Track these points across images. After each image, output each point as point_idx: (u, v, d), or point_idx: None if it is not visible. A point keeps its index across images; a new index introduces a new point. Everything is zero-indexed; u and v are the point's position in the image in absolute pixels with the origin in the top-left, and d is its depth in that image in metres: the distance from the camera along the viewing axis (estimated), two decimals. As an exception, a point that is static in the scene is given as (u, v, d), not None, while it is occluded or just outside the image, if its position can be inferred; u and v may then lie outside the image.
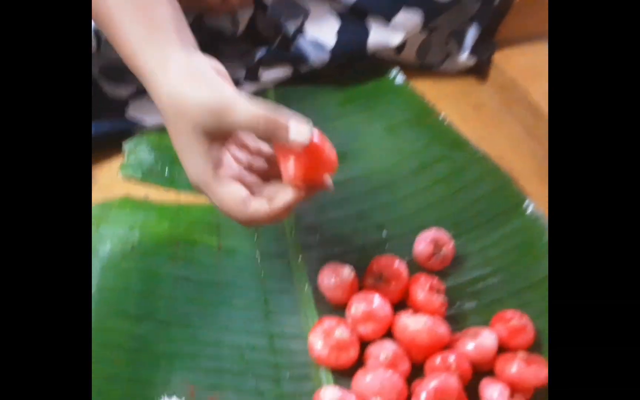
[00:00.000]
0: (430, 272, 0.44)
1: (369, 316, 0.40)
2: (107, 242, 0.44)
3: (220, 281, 0.44)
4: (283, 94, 0.59)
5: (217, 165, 0.37)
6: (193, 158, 0.37)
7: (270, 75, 0.59)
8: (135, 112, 0.54)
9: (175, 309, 0.42)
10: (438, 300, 0.41)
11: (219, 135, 0.36)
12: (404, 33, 0.58)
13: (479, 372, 0.38)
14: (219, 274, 0.45)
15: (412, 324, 0.39)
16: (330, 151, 0.38)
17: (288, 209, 0.37)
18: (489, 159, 0.52)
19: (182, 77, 0.37)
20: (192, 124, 0.36)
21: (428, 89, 0.60)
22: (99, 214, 0.46)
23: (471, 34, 0.61)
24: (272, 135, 0.36)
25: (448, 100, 0.60)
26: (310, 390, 0.39)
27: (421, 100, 0.58)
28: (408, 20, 0.58)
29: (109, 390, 0.37)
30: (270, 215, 0.36)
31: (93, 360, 0.38)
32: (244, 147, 0.41)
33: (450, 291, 0.43)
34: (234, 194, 0.36)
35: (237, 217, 0.37)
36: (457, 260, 0.46)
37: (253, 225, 0.38)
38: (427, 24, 0.59)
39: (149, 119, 0.54)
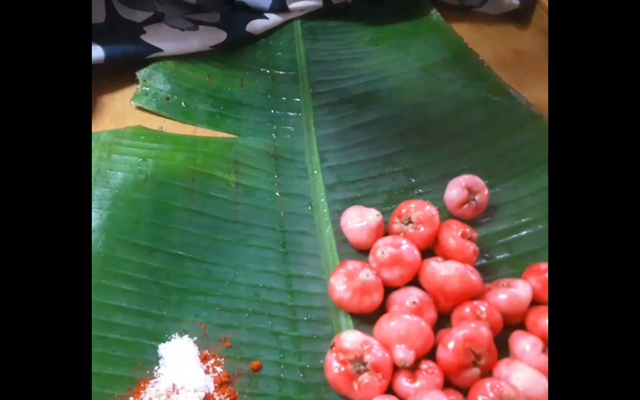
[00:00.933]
0: (462, 220, 0.41)
1: (395, 260, 0.38)
2: (118, 170, 0.43)
3: (237, 218, 0.42)
4: (311, 27, 0.56)
5: None
6: None
7: (299, 5, 0.56)
8: (152, 38, 0.52)
9: (189, 243, 0.40)
10: (470, 248, 0.39)
11: None
12: None
13: (510, 325, 0.36)
14: (236, 211, 0.43)
15: (443, 269, 0.37)
16: None
17: None
18: (530, 105, 0.49)
19: None
20: None
21: (466, 32, 0.57)
22: (111, 140, 0.45)
23: (516, -27, 0.57)
24: None
25: (488, 43, 0.56)
26: (328, 334, 0.37)
27: (460, 41, 0.55)
28: None
29: (117, 323, 0.36)
30: None
31: (102, 290, 0.37)
32: None
33: (481, 241, 0.41)
34: None
35: None
36: (490, 210, 0.43)
37: None
38: None
39: (166, 46, 0.51)
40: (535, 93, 0.50)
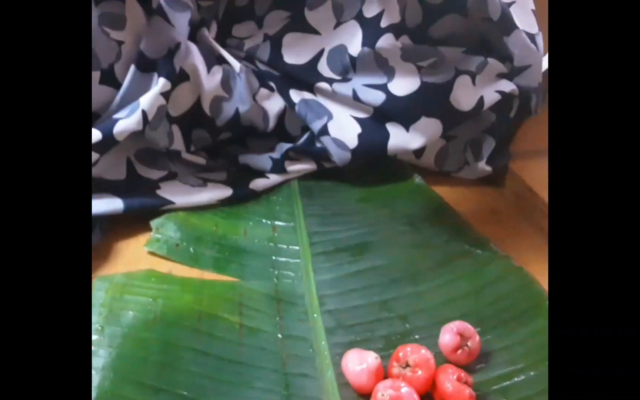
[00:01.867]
0: (457, 365, 0.44)
1: (396, 402, 0.39)
2: (129, 310, 0.45)
3: (241, 360, 0.44)
4: (307, 186, 0.63)
5: None
6: None
7: (296, 168, 0.63)
8: (166, 192, 0.57)
9: (193, 384, 0.41)
10: (466, 391, 0.41)
11: None
12: (423, 139, 0.62)
13: None
14: (240, 353, 0.44)
15: (442, 412, 0.38)
16: None
17: None
18: (510, 258, 0.54)
19: None
20: None
21: (447, 193, 0.64)
22: (124, 282, 0.47)
23: (487, 145, 0.66)
24: None
25: (467, 203, 0.63)
26: None
27: (441, 200, 0.62)
28: (427, 128, 0.62)
29: None
30: None
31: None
32: None
33: (477, 386, 0.43)
34: None
35: None
36: (483, 356, 0.46)
37: None
38: (445, 133, 0.63)
39: (178, 200, 0.57)
40: (515, 246, 0.56)
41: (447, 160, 0.66)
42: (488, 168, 0.65)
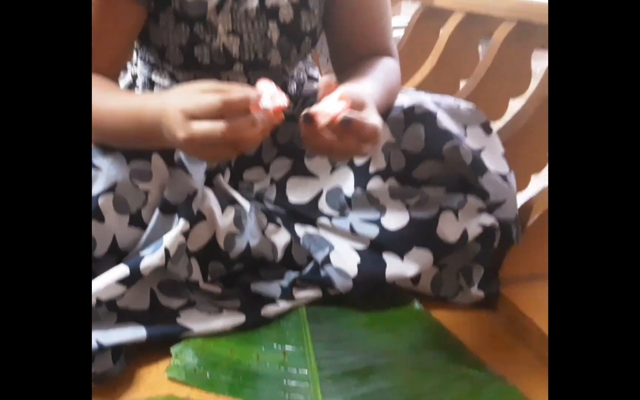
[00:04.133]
0: None
1: None
2: (152, 435, 0.48)
3: None
4: (314, 312, 0.68)
5: None
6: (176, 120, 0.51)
7: (303, 295, 0.69)
8: (185, 320, 0.62)
9: None
10: None
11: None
12: (417, 267, 0.69)
13: None
14: None
15: None
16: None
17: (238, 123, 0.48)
18: (506, 379, 0.58)
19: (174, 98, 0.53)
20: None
21: (444, 318, 0.69)
22: (146, 408, 0.51)
23: (477, 272, 0.72)
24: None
25: (463, 328, 0.68)
26: None
27: (439, 325, 0.67)
28: (419, 257, 0.69)
29: None
30: (217, 126, 0.48)
31: None
32: None
33: None
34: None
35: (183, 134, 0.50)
36: None
37: (200, 141, 0.49)
38: (437, 262, 0.70)
39: (195, 327, 0.62)
40: (509, 367, 0.60)
41: (442, 286, 0.72)
42: (480, 293, 0.71)
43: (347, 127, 0.50)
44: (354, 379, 0.59)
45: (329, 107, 0.50)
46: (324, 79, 0.64)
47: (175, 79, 0.72)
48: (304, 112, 0.50)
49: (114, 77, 0.69)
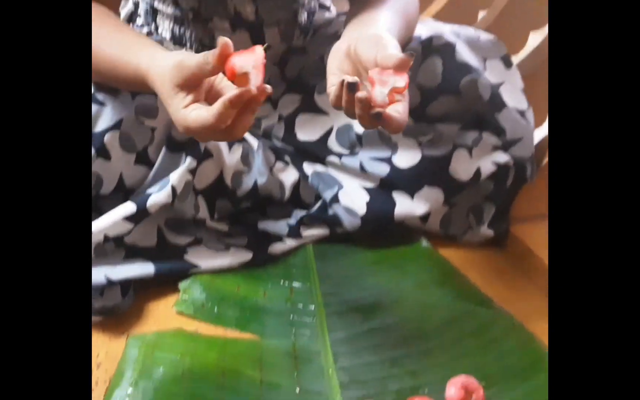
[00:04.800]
0: (462, 417, 0.48)
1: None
2: (160, 366, 0.50)
3: (262, 413, 0.48)
4: (321, 250, 0.68)
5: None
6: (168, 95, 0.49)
7: (310, 233, 0.69)
8: (192, 257, 0.63)
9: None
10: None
11: (185, 84, 0.48)
12: (427, 206, 0.68)
13: None
14: (261, 406, 0.49)
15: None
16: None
17: (226, 112, 0.45)
18: (513, 316, 0.58)
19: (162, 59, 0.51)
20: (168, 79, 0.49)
21: (452, 256, 0.69)
22: (155, 340, 0.52)
23: (487, 210, 0.71)
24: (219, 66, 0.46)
25: (472, 266, 0.67)
26: None
27: (447, 263, 0.67)
28: (430, 196, 0.68)
29: None
30: (209, 118, 0.46)
31: None
32: None
33: (481, 437, 0.47)
34: (181, 103, 0.48)
35: (181, 122, 0.48)
36: (487, 409, 0.49)
37: (196, 131, 0.48)
38: (448, 201, 0.69)
39: (203, 263, 0.62)
40: (517, 305, 0.60)
41: (452, 225, 0.72)
42: (490, 232, 0.70)
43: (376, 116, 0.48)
44: (359, 314, 0.59)
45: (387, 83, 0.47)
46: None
47: (178, 6, 0.69)
48: (349, 80, 0.48)
49: (115, 3, 0.67)
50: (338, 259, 0.68)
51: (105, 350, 0.53)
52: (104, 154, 0.60)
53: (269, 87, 0.46)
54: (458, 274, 0.65)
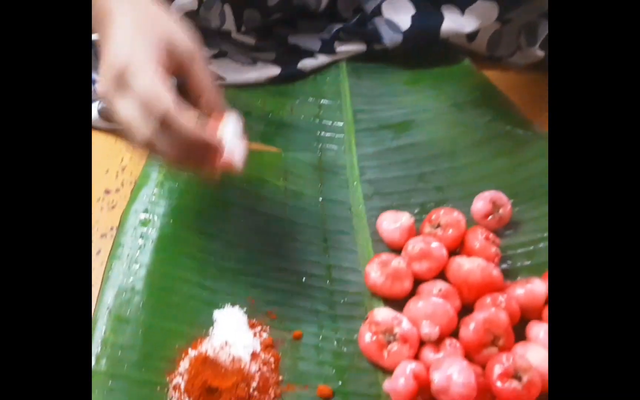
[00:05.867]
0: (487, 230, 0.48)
1: (424, 254, 0.44)
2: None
3: (284, 217, 0.50)
4: (355, 67, 0.65)
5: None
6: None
7: (345, 48, 0.65)
8: (217, 68, 0.61)
9: (242, 233, 0.48)
10: (493, 249, 0.45)
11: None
12: (477, 22, 0.63)
13: (527, 319, 0.41)
14: (284, 211, 0.50)
15: (467, 263, 0.43)
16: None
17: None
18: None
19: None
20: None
21: (496, 78, 0.64)
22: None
23: (542, 29, 0.65)
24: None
25: (514, 89, 0.63)
26: (362, 315, 0.43)
27: (489, 84, 0.63)
28: (483, 11, 0.62)
29: (179, 289, 0.43)
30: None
31: (168, 262, 0.44)
32: None
33: (503, 249, 0.47)
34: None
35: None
36: (512, 224, 0.49)
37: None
38: (501, 16, 0.63)
39: (228, 76, 0.61)
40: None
41: (500, 44, 0.66)
42: (541, 53, 0.65)
43: None
44: (390, 131, 0.58)
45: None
46: None
47: None
48: None
49: None
50: (373, 76, 0.65)
51: (130, 156, 0.54)
52: None
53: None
54: (499, 95, 0.61)
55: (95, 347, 0.39)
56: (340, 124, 0.59)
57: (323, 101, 0.62)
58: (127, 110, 0.37)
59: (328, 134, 0.58)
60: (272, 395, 0.38)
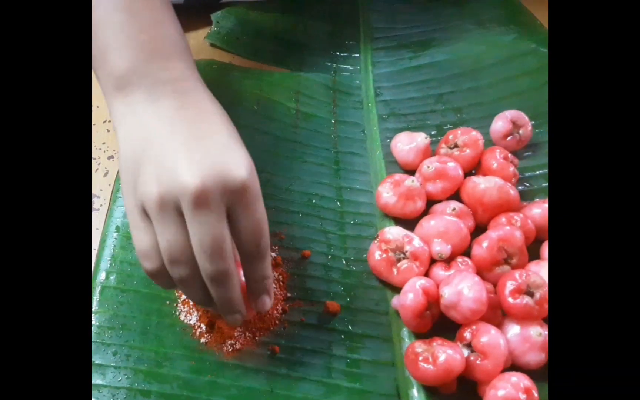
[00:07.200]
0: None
1: (439, 174, 0.43)
2: (194, 90, 0.51)
3: (295, 139, 0.49)
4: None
5: None
6: None
7: None
8: (226, -14, 0.60)
9: (253, 154, 0.47)
10: (510, 169, 0.44)
11: None
12: None
13: (543, 238, 0.41)
14: (294, 133, 0.50)
15: (483, 183, 0.42)
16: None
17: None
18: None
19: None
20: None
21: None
22: (189, 67, 0.53)
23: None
24: None
25: (541, 7, 0.61)
26: (372, 235, 0.43)
27: (514, 0, 0.60)
28: None
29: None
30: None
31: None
32: None
33: (522, 170, 0.46)
34: None
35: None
36: (532, 146, 0.48)
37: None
38: None
39: (238, -7, 0.60)
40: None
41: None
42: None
43: None
44: (408, 50, 0.56)
45: None
46: None
47: None
48: None
49: None
50: (390, -6, 0.63)
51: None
52: None
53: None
54: (525, 12, 0.59)
55: (105, 264, 0.40)
56: (356, 43, 0.58)
57: (338, 19, 0.60)
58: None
59: (343, 54, 0.57)
60: (280, 310, 0.39)
